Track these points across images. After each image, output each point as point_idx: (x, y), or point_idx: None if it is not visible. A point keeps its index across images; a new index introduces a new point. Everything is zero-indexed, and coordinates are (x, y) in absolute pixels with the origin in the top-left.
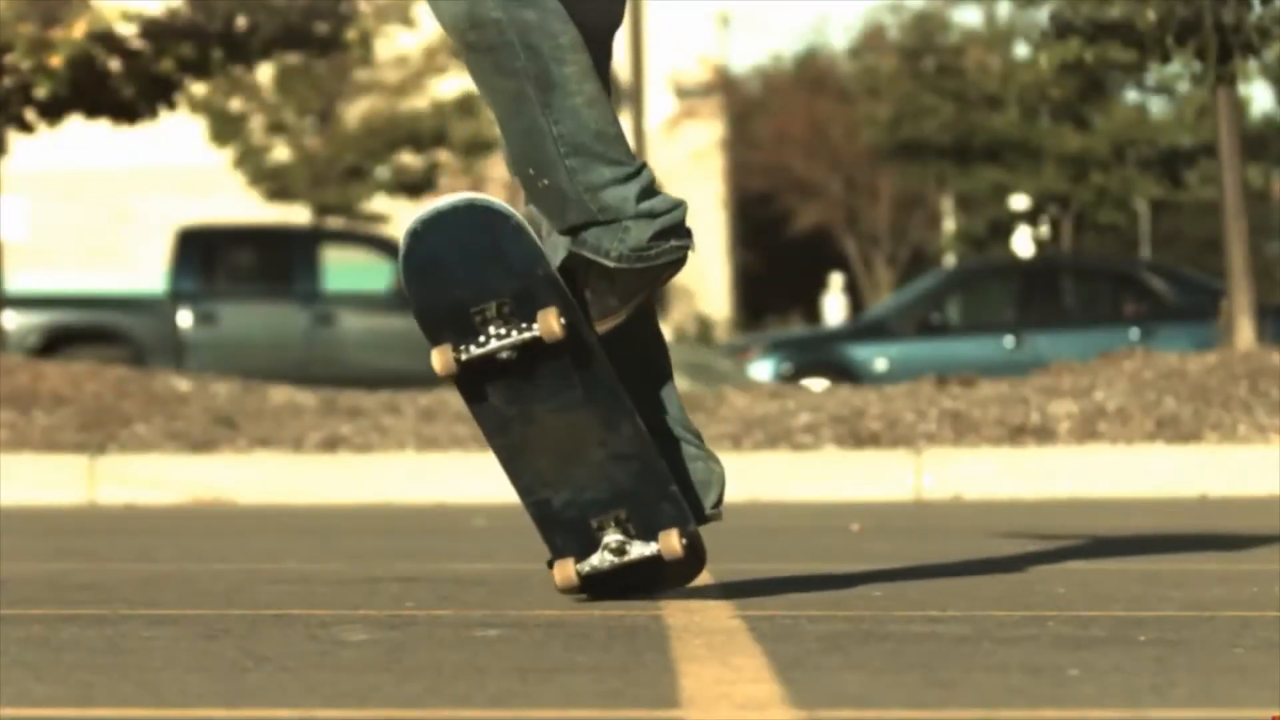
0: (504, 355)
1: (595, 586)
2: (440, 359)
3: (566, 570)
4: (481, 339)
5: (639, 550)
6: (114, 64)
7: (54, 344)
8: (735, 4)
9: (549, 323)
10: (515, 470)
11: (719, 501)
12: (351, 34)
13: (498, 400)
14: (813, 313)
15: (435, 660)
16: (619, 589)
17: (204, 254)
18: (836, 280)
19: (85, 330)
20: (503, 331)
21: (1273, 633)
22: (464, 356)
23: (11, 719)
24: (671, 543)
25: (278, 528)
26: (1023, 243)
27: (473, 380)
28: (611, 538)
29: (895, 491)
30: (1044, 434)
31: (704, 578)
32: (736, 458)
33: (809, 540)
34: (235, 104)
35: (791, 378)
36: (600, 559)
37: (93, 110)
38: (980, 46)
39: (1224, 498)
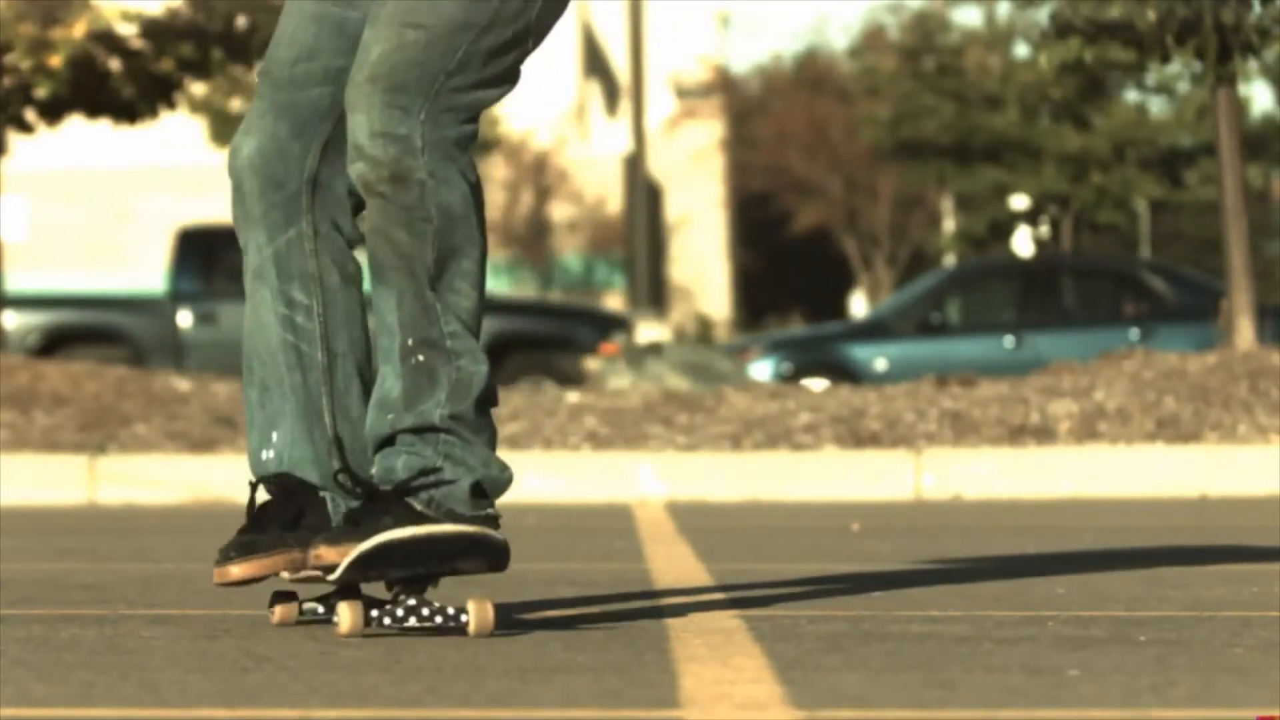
0: None
1: None
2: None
3: None
4: None
5: None
6: (114, 64)
7: (54, 344)
8: (735, 4)
9: None
10: None
11: None
12: None
13: None
14: (815, 313)
15: (435, 660)
16: None
17: (204, 254)
18: (864, 282)
19: (85, 330)
20: None
21: (1273, 633)
22: None
23: (11, 719)
24: None
25: None
26: (1023, 243)
27: None
28: None
29: (895, 491)
30: (1044, 434)
31: (704, 578)
32: (736, 458)
33: (809, 540)
34: (235, 104)
35: (791, 378)
36: None
37: (93, 110)
38: (980, 46)
39: (1224, 498)
